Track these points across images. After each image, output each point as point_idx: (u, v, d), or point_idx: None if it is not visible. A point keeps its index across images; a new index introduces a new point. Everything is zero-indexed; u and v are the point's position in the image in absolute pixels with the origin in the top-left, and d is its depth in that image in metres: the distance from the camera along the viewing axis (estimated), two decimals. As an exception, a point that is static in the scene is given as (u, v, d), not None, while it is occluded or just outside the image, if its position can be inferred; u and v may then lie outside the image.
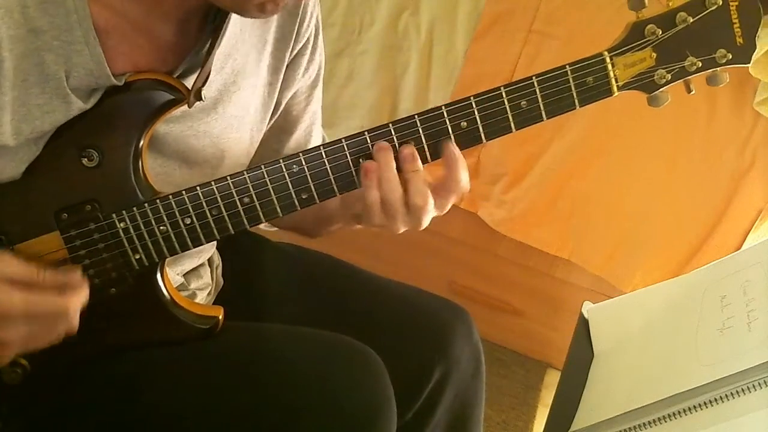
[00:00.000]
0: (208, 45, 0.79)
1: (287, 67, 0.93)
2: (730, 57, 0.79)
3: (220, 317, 0.83)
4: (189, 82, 0.79)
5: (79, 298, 0.73)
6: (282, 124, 0.98)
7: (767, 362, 0.94)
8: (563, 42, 1.61)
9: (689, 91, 0.81)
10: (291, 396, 0.79)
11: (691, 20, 0.77)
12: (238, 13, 0.76)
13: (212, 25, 0.80)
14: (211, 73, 0.80)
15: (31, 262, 0.73)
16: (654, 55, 0.79)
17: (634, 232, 1.71)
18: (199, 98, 0.78)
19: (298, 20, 0.90)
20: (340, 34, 1.70)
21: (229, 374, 0.82)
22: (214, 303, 1.00)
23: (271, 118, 0.95)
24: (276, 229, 1.06)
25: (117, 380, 0.81)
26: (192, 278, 0.96)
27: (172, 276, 0.87)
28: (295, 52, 0.92)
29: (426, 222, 0.82)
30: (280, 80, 0.92)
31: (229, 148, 0.87)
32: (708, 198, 1.65)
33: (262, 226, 1.03)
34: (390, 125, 0.77)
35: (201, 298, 0.96)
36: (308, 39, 0.93)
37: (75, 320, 0.73)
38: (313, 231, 1.01)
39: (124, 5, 0.74)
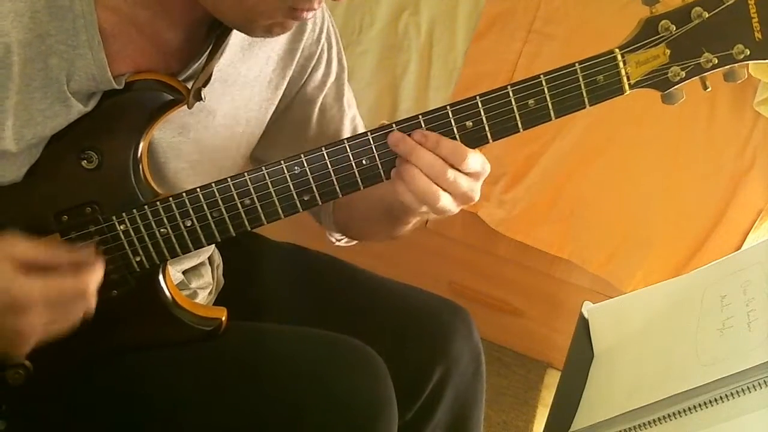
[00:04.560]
0: (210, 48, 0.79)
1: (304, 84, 0.93)
2: (748, 53, 0.76)
3: (223, 319, 0.83)
4: (191, 86, 0.78)
5: (95, 276, 0.72)
6: (326, 142, 0.97)
7: (767, 362, 0.94)
8: (563, 42, 1.61)
9: (705, 88, 0.79)
10: (292, 396, 0.79)
11: (707, 15, 0.75)
12: (245, 33, 0.76)
13: (218, 32, 0.80)
14: (213, 81, 0.80)
15: (43, 243, 0.72)
16: (668, 51, 0.76)
17: (634, 232, 1.71)
18: (198, 98, 0.78)
19: (305, 39, 0.90)
20: (340, 34, 1.68)
21: (230, 374, 0.82)
22: (215, 302, 1.00)
23: (303, 137, 0.96)
24: (355, 242, 1.05)
25: (118, 381, 0.81)
26: (193, 277, 0.96)
27: (172, 273, 0.87)
28: (307, 70, 0.92)
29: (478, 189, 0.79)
30: (279, 96, 0.92)
31: (213, 156, 0.87)
32: (708, 198, 1.65)
33: (341, 243, 1.04)
34: (394, 125, 0.77)
35: (202, 297, 0.96)
36: (321, 54, 0.93)
37: (93, 300, 0.72)
38: (392, 232, 0.94)
39: (132, 10, 0.74)
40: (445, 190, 0.76)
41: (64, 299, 0.71)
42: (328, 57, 0.94)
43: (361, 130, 1.02)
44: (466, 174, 0.76)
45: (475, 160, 0.76)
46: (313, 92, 0.95)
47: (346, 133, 0.99)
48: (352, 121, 1.00)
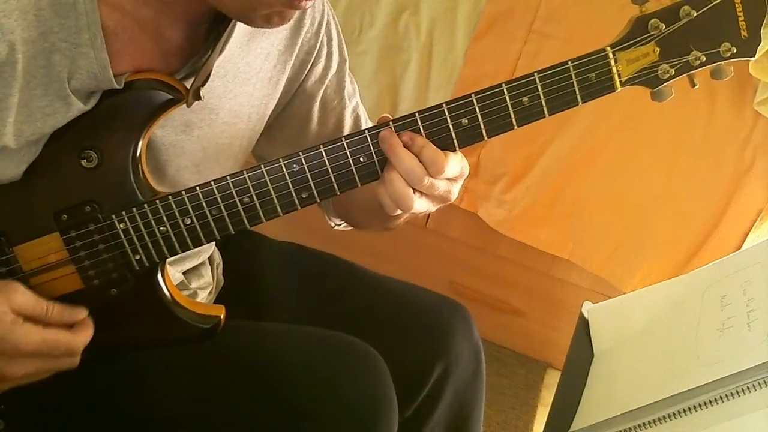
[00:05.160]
0: (211, 46, 0.79)
1: (304, 79, 0.93)
2: (735, 51, 0.78)
3: (222, 317, 0.83)
4: (191, 84, 0.78)
5: (87, 336, 0.75)
6: (326, 133, 0.98)
7: (767, 362, 0.94)
8: (563, 41, 1.61)
9: (693, 85, 0.81)
10: (292, 395, 0.79)
11: (695, 14, 0.77)
12: (244, 23, 0.76)
13: (218, 29, 0.80)
14: (214, 78, 0.80)
15: (40, 296, 0.74)
16: (657, 49, 0.78)
17: (634, 232, 1.71)
18: (197, 98, 0.78)
19: (304, 33, 0.90)
20: (340, 34, 1.70)
21: (230, 373, 0.82)
22: (215, 302, 1.00)
23: (306, 130, 0.96)
24: (351, 228, 1.06)
25: (118, 380, 0.82)
26: (193, 277, 0.96)
27: (172, 274, 0.87)
28: (308, 65, 0.93)
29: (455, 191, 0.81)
30: (280, 92, 0.92)
31: (216, 153, 0.87)
32: (708, 198, 1.65)
33: (339, 227, 1.05)
34: (391, 123, 0.77)
35: (202, 297, 0.96)
36: (320, 47, 0.93)
37: (78, 358, 0.75)
38: (385, 224, 0.95)
39: (135, 7, 0.74)
40: (421, 193, 0.77)
41: (55, 354, 0.73)
42: (329, 50, 0.94)
43: (363, 120, 1.03)
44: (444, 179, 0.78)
45: (454, 165, 0.78)
46: (313, 86, 0.95)
47: (347, 125, 1.00)
48: (353, 112, 1.01)
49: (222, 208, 0.77)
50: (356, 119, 1.01)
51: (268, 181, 0.77)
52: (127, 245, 0.77)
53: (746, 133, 1.60)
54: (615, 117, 1.63)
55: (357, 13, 1.69)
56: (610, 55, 0.78)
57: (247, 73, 0.86)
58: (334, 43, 0.95)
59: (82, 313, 0.76)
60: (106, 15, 0.71)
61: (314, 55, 0.93)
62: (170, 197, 0.77)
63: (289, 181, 0.77)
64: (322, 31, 0.92)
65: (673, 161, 1.65)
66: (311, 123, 0.97)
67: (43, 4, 0.68)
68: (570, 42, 1.60)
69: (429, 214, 1.82)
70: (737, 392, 0.95)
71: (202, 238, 0.78)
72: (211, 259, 1.01)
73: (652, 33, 0.78)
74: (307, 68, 0.93)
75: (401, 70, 1.71)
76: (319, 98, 0.96)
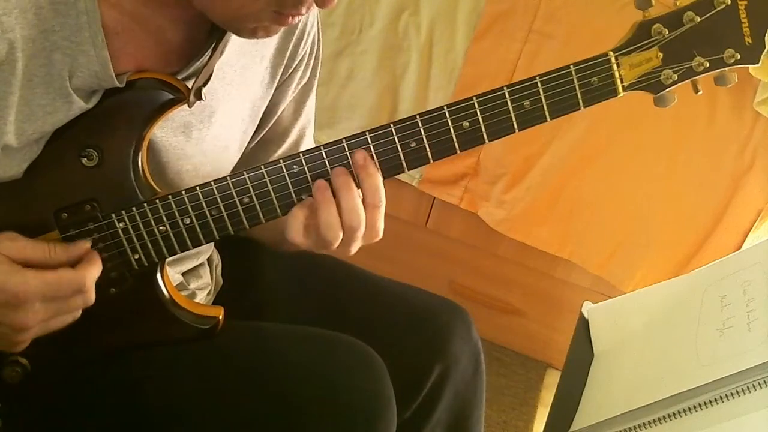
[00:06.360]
0: (212, 47, 0.79)
1: (282, 83, 0.93)
2: (739, 57, 0.78)
3: (221, 317, 0.83)
4: (191, 85, 0.78)
5: (93, 270, 0.73)
6: (271, 137, 0.97)
7: (767, 362, 0.94)
8: (563, 42, 1.61)
9: (696, 91, 0.80)
10: (291, 395, 0.79)
11: (699, 20, 0.76)
12: (231, 32, 0.76)
13: (218, 31, 0.80)
14: (212, 80, 0.80)
15: (40, 240, 0.73)
16: (660, 55, 0.78)
17: (634, 232, 1.71)
18: (199, 98, 0.78)
19: (294, 39, 0.90)
20: (340, 34, 1.70)
21: (230, 374, 0.82)
22: (213, 302, 1.00)
23: (257, 131, 0.95)
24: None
25: (116, 380, 0.81)
26: (192, 278, 0.96)
27: (171, 275, 0.87)
28: (290, 69, 0.92)
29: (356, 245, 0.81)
30: (270, 95, 0.92)
31: (215, 156, 0.87)
32: (708, 198, 1.65)
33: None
34: (391, 125, 0.77)
35: (201, 297, 0.96)
36: (303, 57, 0.93)
37: (92, 293, 0.73)
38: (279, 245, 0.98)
39: (134, 7, 0.74)
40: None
41: (62, 294, 0.71)
42: (308, 61, 0.94)
43: (306, 141, 1.01)
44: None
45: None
46: (285, 92, 0.94)
47: (291, 138, 0.99)
48: (301, 130, 0.99)
49: (222, 208, 0.77)
50: (299, 138, 1.00)
51: (268, 181, 0.77)
52: (126, 244, 0.77)
53: (746, 133, 1.60)
54: (615, 117, 1.63)
55: (357, 13, 1.69)
56: (613, 60, 0.77)
57: (242, 75, 0.87)
58: (314, 55, 0.95)
59: (85, 244, 0.75)
60: (105, 14, 0.71)
61: (297, 61, 0.93)
62: (170, 197, 0.76)
63: (289, 182, 0.77)
64: (309, 39, 0.93)
65: (673, 161, 1.65)
66: (265, 125, 0.96)
67: (43, 2, 0.68)
68: (570, 42, 1.60)
69: (429, 214, 1.83)
70: (737, 392, 0.95)
71: (202, 238, 0.78)
72: (209, 259, 1.01)
73: (655, 38, 0.77)
74: (288, 73, 0.93)
75: (401, 70, 1.71)
76: (284, 104, 0.95)
